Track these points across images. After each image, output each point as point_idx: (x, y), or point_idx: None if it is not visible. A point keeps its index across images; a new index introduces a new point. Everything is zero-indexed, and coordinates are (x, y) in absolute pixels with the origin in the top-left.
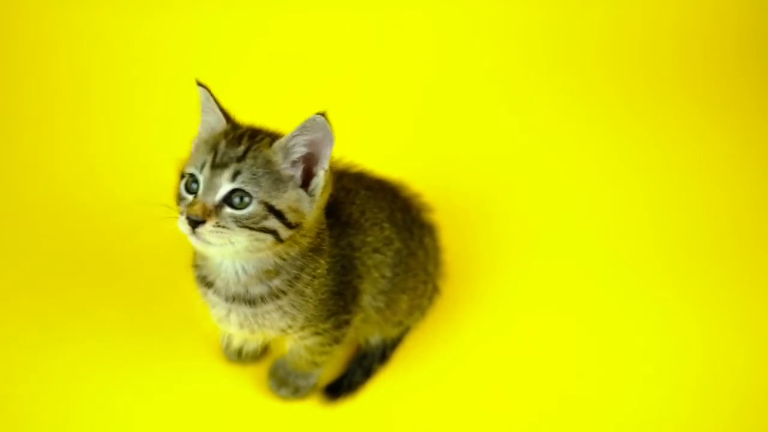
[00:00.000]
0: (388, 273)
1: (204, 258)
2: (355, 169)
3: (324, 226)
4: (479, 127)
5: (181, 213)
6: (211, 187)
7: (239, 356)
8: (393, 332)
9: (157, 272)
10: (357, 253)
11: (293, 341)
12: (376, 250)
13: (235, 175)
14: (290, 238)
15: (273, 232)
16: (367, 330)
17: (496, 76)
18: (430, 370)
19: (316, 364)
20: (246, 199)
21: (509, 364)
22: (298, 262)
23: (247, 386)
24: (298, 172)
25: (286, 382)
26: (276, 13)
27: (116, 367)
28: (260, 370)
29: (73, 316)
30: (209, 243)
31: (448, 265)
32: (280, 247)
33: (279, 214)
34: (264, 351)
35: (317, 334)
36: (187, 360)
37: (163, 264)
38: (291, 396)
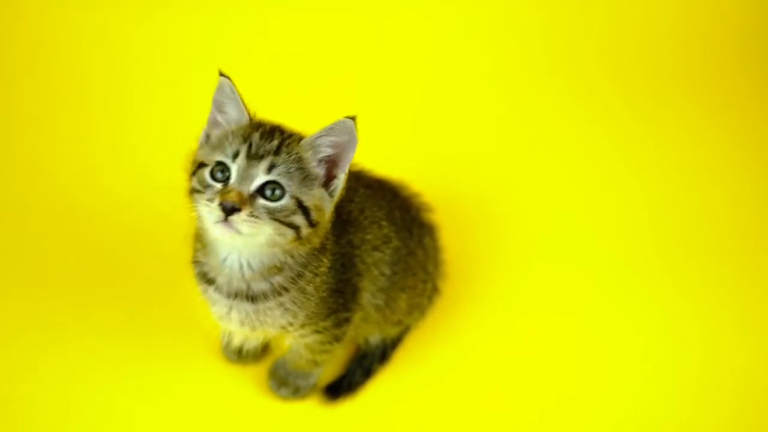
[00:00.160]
0: (387, 271)
1: (206, 254)
2: (354, 168)
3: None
4: (479, 127)
5: (210, 200)
6: (247, 177)
7: (239, 356)
8: (392, 331)
9: (157, 272)
10: (357, 251)
11: (293, 339)
12: (375, 248)
13: (270, 168)
14: (307, 236)
15: (296, 228)
16: (366, 329)
17: (496, 76)
18: (430, 370)
19: (316, 364)
20: (278, 192)
21: (509, 364)
22: (302, 260)
23: (247, 386)
24: (322, 171)
25: (286, 382)
26: (276, 13)
27: (116, 367)
28: (260, 370)
29: (73, 316)
30: (239, 232)
31: (448, 265)
32: (294, 245)
33: (306, 211)
34: (264, 351)
35: (317, 332)
36: (187, 360)
37: (163, 264)
38: (291, 396)
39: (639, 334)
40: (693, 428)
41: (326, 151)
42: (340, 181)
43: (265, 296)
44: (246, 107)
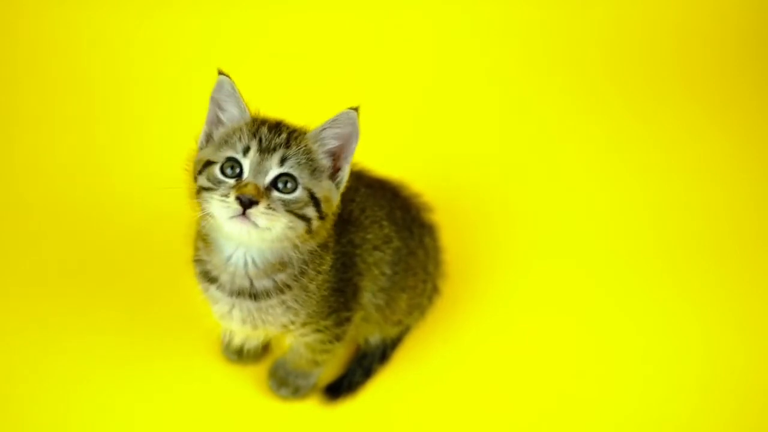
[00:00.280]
0: (387, 271)
1: (209, 253)
2: (355, 167)
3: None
4: (479, 127)
5: (225, 195)
6: (261, 170)
7: (239, 356)
8: (393, 331)
9: (157, 272)
10: (358, 251)
11: (294, 339)
12: (376, 248)
13: (282, 161)
14: (316, 229)
15: (308, 221)
16: (367, 329)
17: (496, 76)
18: (430, 370)
19: (316, 363)
20: (290, 185)
21: (509, 364)
22: (305, 257)
23: (247, 386)
24: (329, 163)
25: (286, 382)
26: (276, 13)
27: (116, 367)
28: (260, 370)
29: (73, 316)
30: (256, 225)
31: (448, 265)
32: (302, 239)
33: (317, 203)
34: (264, 351)
35: (318, 331)
36: (188, 360)
37: (163, 264)
38: (291, 396)
39: (639, 334)
40: (693, 428)
41: (332, 143)
42: (345, 173)
43: (267, 294)
44: (246, 105)
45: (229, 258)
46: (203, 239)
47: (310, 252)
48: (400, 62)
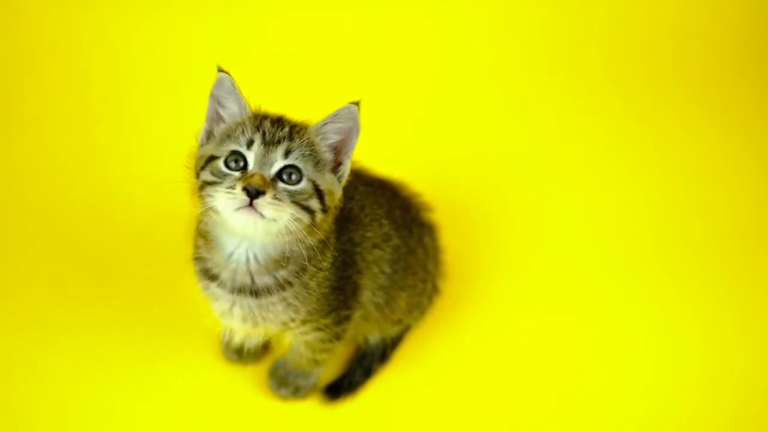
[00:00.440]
0: (387, 269)
1: (210, 250)
2: (354, 166)
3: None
4: (479, 127)
5: (231, 187)
6: (266, 162)
7: (239, 355)
8: (392, 331)
9: (157, 272)
10: (357, 249)
11: (294, 337)
12: (375, 246)
13: (287, 153)
14: (319, 223)
15: (312, 213)
16: (366, 328)
17: (496, 76)
18: (430, 370)
19: (316, 363)
20: (295, 177)
21: (509, 364)
22: (307, 254)
23: (247, 386)
24: (331, 157)
25: (286, 381)
26: (276, 13)
27: (116, 367)
28: (260, 370)
29: (73, 316)
30: (262, 216)
31: (448, 265)
32: (305, 232)
33: (320, 195)
34: (264, 350)
35: (318, 329)
36: (187, 360)
37: (163, 263)
38: (291, 396)
39: (639, 334)
40: (693, 428)
41: (333, 138)
42: (346, 167)
43: (268, 291)
44: (246, 102)
45: (230, 255)
46: (204, 236)
47: (311, 248)
48: (400, 62)
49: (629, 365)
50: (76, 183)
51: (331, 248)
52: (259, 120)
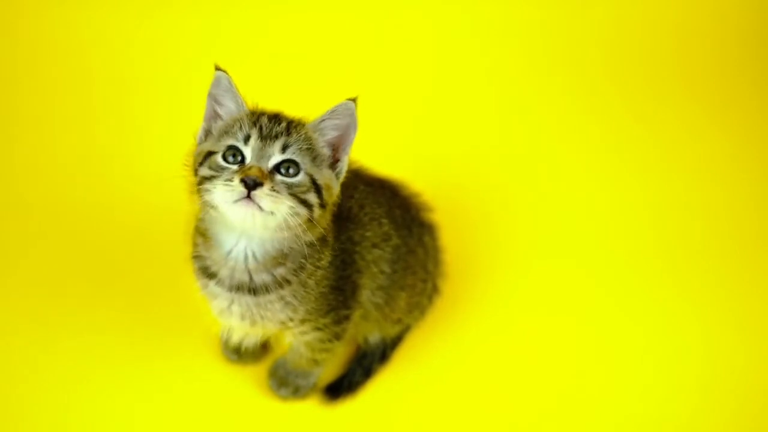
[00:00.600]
0: (386, 269)
1: (209, 248)
2: (353, 165)
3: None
4: (479, 127)
5: (229, 180)
6: (263, 155)
7: (238, 355)
8: (392, 330)
9: (157, 272)
10: (357, 248)
11: (294, 337)
12: (375, 245)
13: (284, 148)
14: (317, 218)
15: (310, 207)
16: (366, 328)
17: (496, 76)
18: (430, 370)
19: (316, 363)
20: (292, 170)
21: (509, 364)
22: (305, 251)
23: (247, 386)
24: (329, 152)
25: (286, 381)
26: (276, 13)
27: (116, 367)
28: (260, 370)
29: (73, 315)
30: (260, 208)
31: (448, 265)
32: (304, 228)
33: (318, 190)
34: (263, 350)
35: (318, 329)
36: (187, 360)
37: (163, 263)
38: (291, 396)
39: (639, 334)
40: (693, 428)
41: (331, 134)
42: (344, 164)
43: (266, 289)
44: (243, 100)
45: (229, 252)
46: (202, 234)
47: (310, 246)
48: (400, 62)
49: (629, 365)
50: (76, 183)
51: (330, 247)
52: (257, 116)
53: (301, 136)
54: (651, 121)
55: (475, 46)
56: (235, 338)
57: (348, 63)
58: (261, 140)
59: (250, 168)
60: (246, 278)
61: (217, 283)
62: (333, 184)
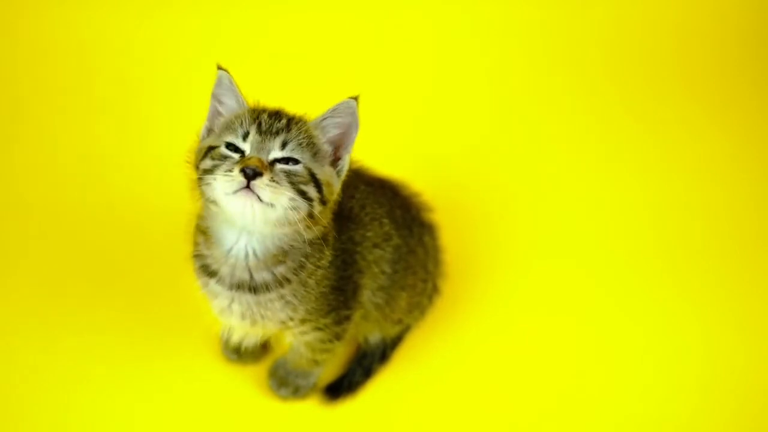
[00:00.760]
0: (387, 269)
1: (210, 246)
2: (354, 165)
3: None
4: (479, 127)
5: (229, 170)
6: (262, 149)
7: (238, 355)
8: (392, 331)
9: (157, 272)
10: (358, 248)
11: (294, 337)
12: (376, 245)
13: (283, 144)
14: (317, 215)
15: (310, 202)
16: (366, 328)
17: (496, 76)
18: (430, 370)
19: (316, 363)
20: (291, 162)
21: (509, 364)
22: (305, 250)
23: (247, 386)
24: (330, 150)
25: (286, 381)
26: (276, 13)
27: (116, 366)
28: (260, 370)
29: (73, 316)
30: (260, 199)
31: (448, 265)
32: (303, 225)
33: (318, 185)
34: (263, 350)
35: (318, 329)
36: (187, 359)
37: (163, 263)
38: (291, 396)
39: (639, 334)
40: (693, 428)
41: (332, 132)
42: (345, 162)
43: (267, 287)
44: (244, 98)
45: (229, 250)
46: (203, 232)
47: (310, 244)
48: (400, 62)
49: (629, 365)
50: (76, 183)
51: (331, 246)
52: (257, 113)
53: (301, 132)
54: (651, 121)
55: (475, 46)
56: (235, 338)
57: (348, 63)
58: (260, 135)
59: (249, 158)
60: (246, 276)
61: (217, 281)
62: (333, 182)
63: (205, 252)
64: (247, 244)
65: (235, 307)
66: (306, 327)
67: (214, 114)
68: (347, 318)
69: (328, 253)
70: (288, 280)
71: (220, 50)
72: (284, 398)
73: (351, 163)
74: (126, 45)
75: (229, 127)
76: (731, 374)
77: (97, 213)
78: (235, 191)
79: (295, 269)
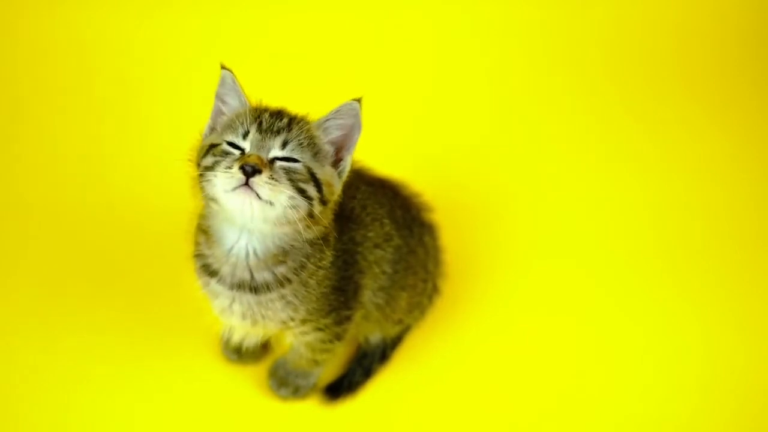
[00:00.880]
0: (388, 269)
1: (210, 245)
2: (355, 165)
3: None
4: (479, 127)
5: (229, 167)
6: (263, 147)
7: (238, 355)
8: (393, 330)
9: (157, 271)
10: (359, 248)
11: (294, 337)
12: (377, 246)
13: (284, 144)
14: (318, 215)
15: (310, 200)
16: (367, 328)
17: (496, 76)
18: (430, 370)
19: (317, 363)
20: (290, 161)
21: (509, 364)
22: (306, 250)
23: (247, 386)
24: (332, 150)
25: (286, 381)
26: (276, 13)
27: (116, 366)
28: (260, 370)
29: (73, 316)
30: (259, 197)
31: (448, 265)
32: (303, 225)
33: (318, 184)
34: (264, 350)
35: (318, 329)
36: (187, 359)
37: (163, 263)
38: (291, 396)
39: (639, 334)
40: (693, 428)
41: (335, 133)
42: (347, 163)
43: (267, 287)
44: (247, 97)
45: (230, 249)
46: (204, 232)
47: (311, 244)
48: (401, 62)
49: (629, 365)
50: (76, 183)
51: (331, 247)
52: (259, 112)
53: (302, 132)
54: (651, 121)
55: (475, 46)
56: (235, 338)
57: (349, 63)
58: (261, 133)
59: (249, 156)
60: (247, 276)
61: (218, 281)
62: (334, 182)
63: (206, 251)
64: (248, 243)
65: (236, 307)
66: (307, 327)
67: (217, 113)
68: (348, 318)
69: (329, 254)
70: (289, 280)
71: (221, 50)
72: (284, 398)
73: (353, 163)
74: (126, 45)
75: (230, 126)
76: (731, 374)
77: (97, 213)
78: (234, 188)
79: (296, 269)
